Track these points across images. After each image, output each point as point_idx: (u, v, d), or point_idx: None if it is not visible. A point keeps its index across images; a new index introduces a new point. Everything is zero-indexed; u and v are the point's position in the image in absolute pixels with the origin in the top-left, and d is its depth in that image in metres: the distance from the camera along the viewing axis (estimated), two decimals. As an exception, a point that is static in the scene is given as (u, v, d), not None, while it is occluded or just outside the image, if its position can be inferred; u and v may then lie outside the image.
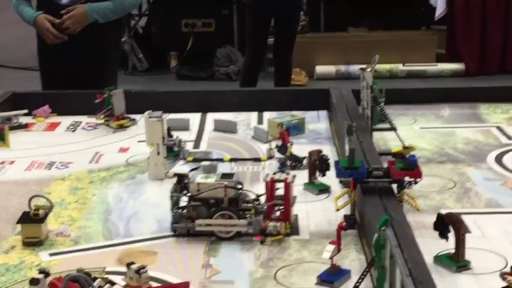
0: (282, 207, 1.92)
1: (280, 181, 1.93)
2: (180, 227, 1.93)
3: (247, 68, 6.19)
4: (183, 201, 1.97)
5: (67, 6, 3.40)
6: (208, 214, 1.91)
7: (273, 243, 1.88)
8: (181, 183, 1.97)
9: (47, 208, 1.93)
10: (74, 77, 3.40)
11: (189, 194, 1.95)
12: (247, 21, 6.10)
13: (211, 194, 1.92)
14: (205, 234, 1.91)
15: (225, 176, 1.97)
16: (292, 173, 2.00)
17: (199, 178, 1.95)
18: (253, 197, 1.97)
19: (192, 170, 2.02)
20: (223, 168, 2.47)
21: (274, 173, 1.96)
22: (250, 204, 1.95)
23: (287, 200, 1.92)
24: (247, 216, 1.92)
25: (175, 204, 1.95)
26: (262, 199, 1.95)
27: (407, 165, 1.94)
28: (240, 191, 1.94)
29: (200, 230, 1.91)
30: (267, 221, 1.91)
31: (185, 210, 1.94)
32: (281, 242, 1.88)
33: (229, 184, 1.92)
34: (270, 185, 1.92)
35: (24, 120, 2.98)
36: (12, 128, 2.85)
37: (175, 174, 1.99)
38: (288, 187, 1.92)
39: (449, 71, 7.49)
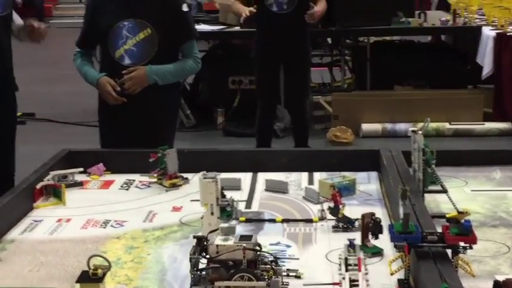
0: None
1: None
2: None
3: (260, 118, 6.32)
4: (202, 263, 1.97)
5: (129, 66, 3.51)
6: (227, 276, 1.92)
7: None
8: (201, 245, 1.98)
9: (105, 268, 1.97)
10: (133, 135, 3.49)
11: (207, 256, 1.96)
12: (256, 72, 6.25)
13: (230, 256, 1.93)
14: None
15: (244, 237, 1.98)
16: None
17: (218, 240, 1.97)
18: (271, 258, 1.99)
19: (211, 232, 2.05)
20: (275, 228, 2.51)
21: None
22: (268, 266, 1.96)
23: None
24: (266, 277, 1.92)
25: (194, 266, 1.95)
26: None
27: (462, 230, 1.95)
28: (258, 253, 1.96)
29: None
30: None
31: (204, 272, 1.95)
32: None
33: (247, 246, 1.94)
34: None
35: (79, 178, 3.04)
36: (68, 186, 2.92)
37: (194, 237, 2.02)
38: None
39: (497, 130, 7.45)
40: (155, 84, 3.49)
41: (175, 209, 2.73)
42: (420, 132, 2.68)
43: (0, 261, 2.25)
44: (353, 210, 2.58)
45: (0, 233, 2.46)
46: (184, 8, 3.67)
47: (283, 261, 2.16)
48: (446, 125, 7.46)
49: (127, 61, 3.56)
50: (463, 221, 1.96)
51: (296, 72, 6.18)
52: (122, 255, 2.28)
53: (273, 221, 2.58)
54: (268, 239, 2.38)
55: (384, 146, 3.22)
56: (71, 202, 2.81)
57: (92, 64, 3.69)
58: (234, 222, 2.56)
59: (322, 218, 2.57)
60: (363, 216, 2.26)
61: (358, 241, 2.16)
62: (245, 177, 3.07)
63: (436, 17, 8.27)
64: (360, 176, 3.03)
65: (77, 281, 1.95)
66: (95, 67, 3.73)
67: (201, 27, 7.83)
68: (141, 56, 3.56)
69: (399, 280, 1.99)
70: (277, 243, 2.36)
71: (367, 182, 3.01)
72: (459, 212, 1.99)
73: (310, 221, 2.56)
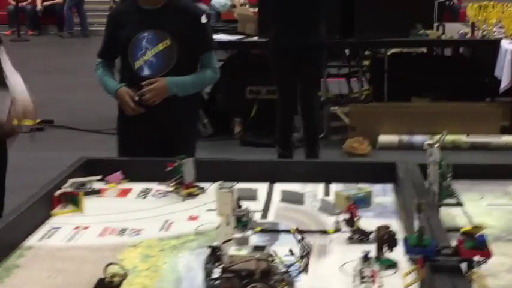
0: None
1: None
2: None
3: (281, 114, 6.38)
4: (216, 272, 1.99)
5: (148, 77, 3.55)
6: (240, 286, 1.94)
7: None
8: (215, 255, 2.01)
9: (121, 276, 1.99)
10: (151, 144, 3.52)
11: (222, 266, 1.98)
12: (273, 67, 6.34)
13: (243, 266, 1.95)
14: None
15: (257, 248, 2.00)
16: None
17: (232, 250, 2.00)
18: (284, 270, 2.00)
19: (225, 242, 2.07)
20: (290, 239, 2.51)
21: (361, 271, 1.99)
22: (281, 277, 1.97)
23: None
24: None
25: (208, 275, 1.98)
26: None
27: (477, 244, 1.95)
28: (271, 263, 1.97)
29: None
30: None
31: (218, 282, 1.97)
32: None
33: (261, 257, 1.96)
34: None
35: (97, 186, 3.07)
36: (86, 194, 2.94)
37: (209, 246, 2.04)
38: None
39: (514, 144, 7.42)
40: (174, 95, 3.53)
41: (192, 219, 2.75)
42: (436, 145, 2.68)
43: (18, 268, 2.28)
44: (368, 222, 2.58)
45: (18, 239, 2.49)
46: (203, 19, 3.71)
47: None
48: (463, 138, 7.44)
49: (146, 72, 3.60)
50: (478, 235, 1.97)
51: (310, 66, 6.29)
52: (138, 263, 2.30)
53: (287, 231, 2.58)
54: (283, 249, 2.39)
55: (400, 158, 3.22)
56: (89, 210, 2.83)
57: (113, 74, 3.73)
58: (249, 232, 2.58)
59: (337, 230, 2.58)
60: (378, 228, 2.27)
61: (373, 253, 2.17)
62: (261, 188, 3.08)
63: (454, 30, 8.27)
64: (376, 188, 3.04)
65: (94, 289, 1.98)
66: (116, 77, 3.78)
67: (220, 36, 7.86)
68: (160, 67, 3.60)
69: (413, 293, 2.00)
70: (292, 254, 2.37)
71: (383, 194, 3.02)
72: (474, 226, 2.00)
73: (325, 232, 2.57)
